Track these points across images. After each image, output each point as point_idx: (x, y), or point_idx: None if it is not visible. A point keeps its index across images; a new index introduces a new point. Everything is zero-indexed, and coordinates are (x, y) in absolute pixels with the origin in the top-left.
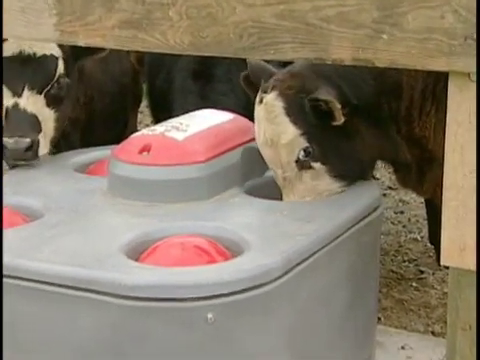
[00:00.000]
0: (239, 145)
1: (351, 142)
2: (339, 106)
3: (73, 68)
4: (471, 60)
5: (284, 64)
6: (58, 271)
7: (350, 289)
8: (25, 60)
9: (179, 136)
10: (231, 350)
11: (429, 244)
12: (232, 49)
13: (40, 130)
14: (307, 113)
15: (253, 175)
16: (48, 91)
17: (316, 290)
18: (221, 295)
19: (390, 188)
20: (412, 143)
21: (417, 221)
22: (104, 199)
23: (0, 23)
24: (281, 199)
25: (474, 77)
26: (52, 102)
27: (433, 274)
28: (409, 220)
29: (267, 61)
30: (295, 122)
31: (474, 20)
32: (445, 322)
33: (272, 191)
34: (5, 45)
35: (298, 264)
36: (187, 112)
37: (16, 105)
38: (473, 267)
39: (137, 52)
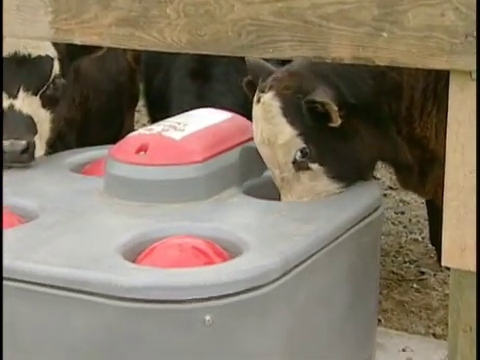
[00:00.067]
0: (237, 145)
1: (350, 143)
2: (336, 108)
3: (69, 68)
4: (472, 58)
5: (283, 62)
6: (54, 272)
7: (350, 291)
8: (20, 61)
9: (176, 136)
10: (229, 352)
11: (430, 245)
12: (230, 47)
13: (36, 132)
14: (304, 114)
15: (251, 175)
16: (44, 92)
17: (315, 292)
18: (219, 297)
19: (391, 188)
20: (413, 144)
21: (418, 222)
22: (101, 199)
23: (0, 23)
24: (280, 199)
25: (475, 75)
26: (48, 103)
27: (434, 275)
28: (410, 221)
29: (266, 59)
30: (292, 122)
31: (475, 17)
32: (446, 324)
33: (271, 191)
34: None
35: (297, 265)
36: (185, 112)
37: (11, 107)
38: (473, 268)
39: (134, 50)
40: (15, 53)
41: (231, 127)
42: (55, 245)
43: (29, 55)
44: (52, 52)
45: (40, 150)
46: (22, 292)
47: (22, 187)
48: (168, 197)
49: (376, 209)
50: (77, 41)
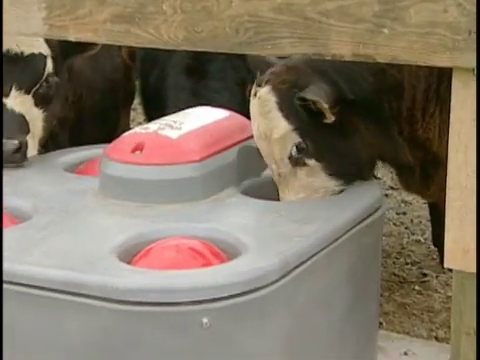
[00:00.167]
0: (235, 143)
1: (348, 140)
2: (326, 106)
3: (62, 66)
4: (476, 55)
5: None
6: (48, 275)
7: (350, 292)
8: (12, 59)
9: (173, 134)
10: (227, 355)
11: (432, 246)
12: (228, 44)
13: (28, 131)
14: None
15: (250, 174)
16: (36, 90)
17: (315, 293)
18: (216, 299)
19: (392, 188)
20: (415, 145)
21: (420, 222)
22: (95, 200)
23: (0, 23)
24: (279, 199)
25: (475, 72)
26: (40, 102)
27: (437, 277)
28: (412, 221)
29: None
30: (287, 117)
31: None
32: (449, 327)
33: (269, 191)
34: None
35: (296, 267)
36: (181, 110)
37: (3, 105)
38: (475, 270)
39: (129, 47)
40: (8, 51)
41: (229, 125)
42: (49, 246)
43: (22, 53)
44: (45, 50)
45: (33, 150)
46: (16, 294)
47: (15, 187)
48: (165, 197)
49: (377, 209)
50: (71, 38)
